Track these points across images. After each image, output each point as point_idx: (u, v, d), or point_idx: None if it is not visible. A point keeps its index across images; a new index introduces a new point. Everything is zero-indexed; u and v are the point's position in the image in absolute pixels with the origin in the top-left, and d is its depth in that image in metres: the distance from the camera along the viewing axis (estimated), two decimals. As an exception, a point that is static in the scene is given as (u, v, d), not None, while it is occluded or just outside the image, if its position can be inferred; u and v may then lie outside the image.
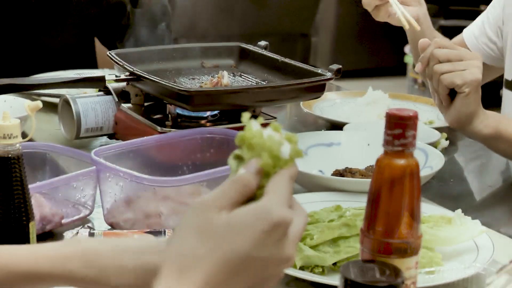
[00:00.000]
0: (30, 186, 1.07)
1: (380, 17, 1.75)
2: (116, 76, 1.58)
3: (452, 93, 1.51)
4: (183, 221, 0.73)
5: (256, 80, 1.69)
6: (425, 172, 1.43)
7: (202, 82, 1.67)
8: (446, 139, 1.75)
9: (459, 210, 1.23)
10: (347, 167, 1.48)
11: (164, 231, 1.18)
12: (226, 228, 0.70)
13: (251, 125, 0.76)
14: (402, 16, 1.68)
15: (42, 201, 1.24)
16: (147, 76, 1.51)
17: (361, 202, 1.01)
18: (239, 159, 0.76)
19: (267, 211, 0.70)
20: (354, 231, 1.13)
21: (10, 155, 1.02)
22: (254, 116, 1.56)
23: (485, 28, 1.87)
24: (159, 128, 1.49)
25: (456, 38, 1.95)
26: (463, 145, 1.80)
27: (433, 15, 3.66)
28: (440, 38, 1.65)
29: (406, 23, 1.68)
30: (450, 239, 1.17)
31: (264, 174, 0.75)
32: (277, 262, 0.72)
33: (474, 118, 1.52)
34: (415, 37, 1.75)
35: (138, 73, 1.53)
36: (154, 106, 1.61)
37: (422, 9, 1.76)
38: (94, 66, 2.35)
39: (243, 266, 0.70)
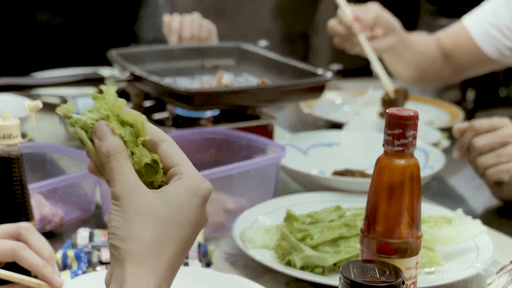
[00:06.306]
0: (30, 186, 1.07)
1: (347, 48, 1.72)
2: (116, 76, 1.58)
3: None
4: (124, 208, 0.74)
5: (256, 80, 1.69)
6: (425, 172, 1.43)
7: (202, 82, 1.67)
8: (447, 139, 1.74)
9: (459, 210, 1.23)
10: (347, 168, 1.48)
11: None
12: (167, 208, 0.74)
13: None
14: (372, 57, 1.65)
15: (42, 201, 1.24)
16: (147, 76, 1.51)
17: (361, 202, 1.01)
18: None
19: (197, 187, 0.75)
20: (354, 231, 1.13)
21: (10, 155, 1.02)
22: (252, 116, 1.56)
23: (499, 24, 1.79)
24: (159, 128, 1.49)
25: (455, 27, 1.89)
26: (463, 145, 1.79)
27: (433, 14, 3.66)
28: (477, 121, 1.43)
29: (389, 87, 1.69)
30: (450, 239, 1.17)
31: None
32: (202, 226, 0.78)
33: None
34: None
35: (138, 73, 1.53)
36: (154, 106, 1.61)
37: (396, 36, 1.71)
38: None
39: (190, 240, 0.76)
